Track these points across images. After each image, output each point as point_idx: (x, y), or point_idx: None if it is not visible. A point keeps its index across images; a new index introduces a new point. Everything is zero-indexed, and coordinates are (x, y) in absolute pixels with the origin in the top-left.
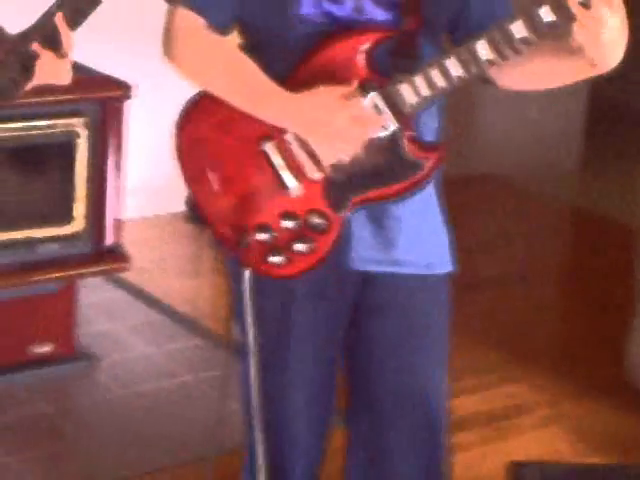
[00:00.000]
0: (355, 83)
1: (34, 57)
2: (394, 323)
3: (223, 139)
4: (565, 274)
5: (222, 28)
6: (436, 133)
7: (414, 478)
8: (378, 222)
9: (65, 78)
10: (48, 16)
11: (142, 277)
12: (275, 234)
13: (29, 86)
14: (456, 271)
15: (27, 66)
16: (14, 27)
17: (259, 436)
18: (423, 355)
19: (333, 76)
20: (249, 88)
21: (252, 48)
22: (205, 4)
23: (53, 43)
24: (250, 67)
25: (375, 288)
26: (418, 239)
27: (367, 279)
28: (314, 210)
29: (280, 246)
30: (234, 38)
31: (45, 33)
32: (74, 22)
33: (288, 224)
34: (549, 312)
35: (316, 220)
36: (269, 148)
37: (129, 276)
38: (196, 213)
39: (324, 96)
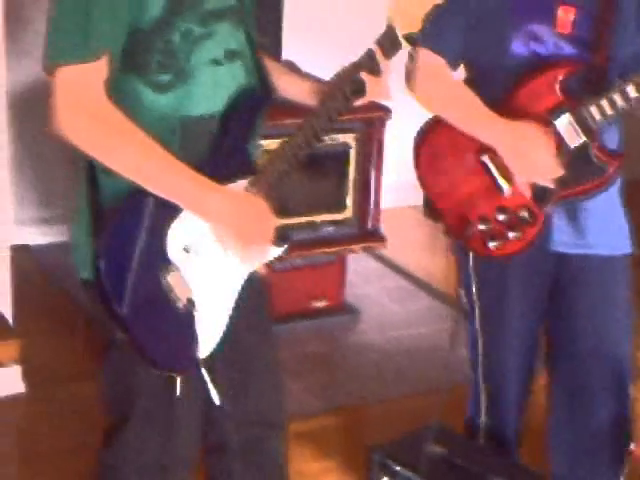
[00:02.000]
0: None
1: (362, 82)
2: (587, 294)
3: (451, 152)
4: None
5: (453, 64)
6: (617, 144)
7: (607, 420)
8: (573, 214)
9: (386, 96)
10: (370, 51)
11: (394, 253)
12: (492, 225)
13: (362, 101)
14: (636, 253)
15: (358, 88)
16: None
17: (481, 374)
18: (612, 319)
19: (536, 101)
20: (472, 115)
21: (470, 80)
22: (442, 46)
23: (374, 71)
24: (473, 98)
25: (570, 266)
26: (604, 227)
27: (563, 258)
28: (523, 206)
29: (496, 234)
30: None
31: (369, 64)
32: (389, 54)
33: (502, 217)
34: None
35: (525, 214)
36: (486, 159)
37: (385, 252)
38: (431, 210)
39: (530, 133)
